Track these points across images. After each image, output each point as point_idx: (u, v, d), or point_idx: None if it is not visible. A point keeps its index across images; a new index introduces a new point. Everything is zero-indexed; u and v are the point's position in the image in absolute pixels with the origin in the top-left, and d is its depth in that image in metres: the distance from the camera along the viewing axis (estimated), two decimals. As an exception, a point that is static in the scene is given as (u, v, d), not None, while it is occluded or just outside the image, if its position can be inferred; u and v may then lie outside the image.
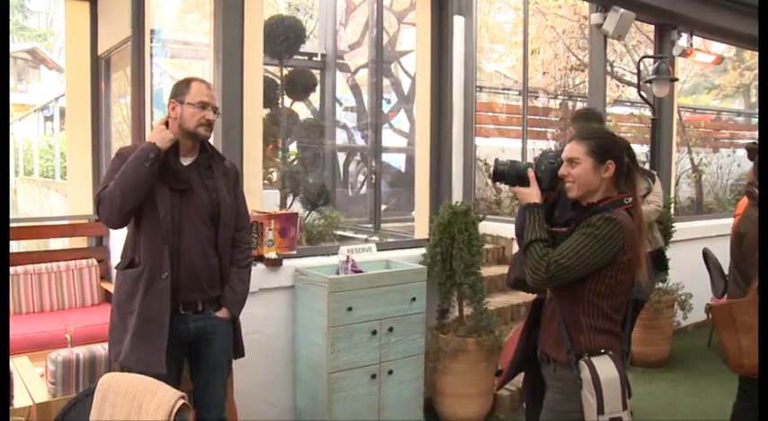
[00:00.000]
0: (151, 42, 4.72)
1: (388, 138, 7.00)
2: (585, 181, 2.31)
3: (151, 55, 4.76)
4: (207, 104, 2.70)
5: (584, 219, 2.26)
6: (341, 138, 6.84)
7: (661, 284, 5.32)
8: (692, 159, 9.05)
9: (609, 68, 8.35)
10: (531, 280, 2.25)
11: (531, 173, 2.37)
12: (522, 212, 2.37)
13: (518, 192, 2.39)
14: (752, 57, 10.17)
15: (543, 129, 8.22)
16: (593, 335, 2.25)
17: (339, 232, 4.98)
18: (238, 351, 2.98)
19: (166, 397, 2.12)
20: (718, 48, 8.39)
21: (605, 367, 2.21)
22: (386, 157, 7.16)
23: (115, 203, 2.57)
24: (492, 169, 2.47)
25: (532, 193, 2.35)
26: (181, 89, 2.72)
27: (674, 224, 5.35)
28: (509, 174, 2.42)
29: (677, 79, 6.26)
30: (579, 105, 8.28)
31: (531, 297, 4.73)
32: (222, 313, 2.83)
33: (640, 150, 6.98)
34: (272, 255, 3.73)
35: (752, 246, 3.15)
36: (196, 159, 2.78)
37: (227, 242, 2.82)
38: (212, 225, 2.77)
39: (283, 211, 4.08)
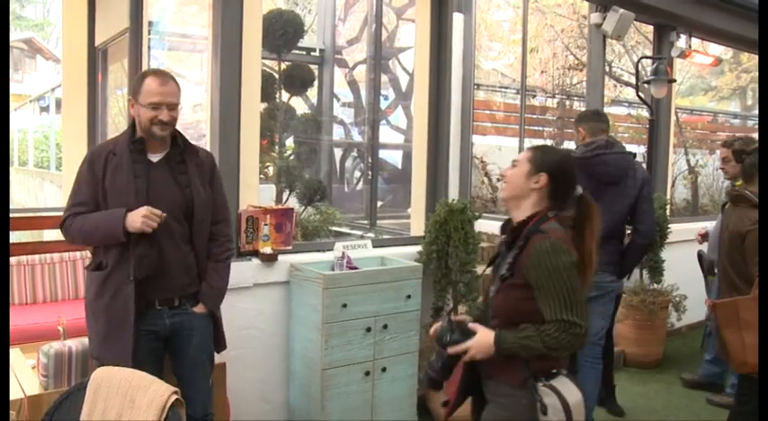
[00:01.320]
0: (149, 34, 4.70)
1: (386, 134, 6.99)
2: (515, 184, 2.27)
3: (149, 47, 4.74)
4: (159, 105, 2.59)
5: (516, 240, 2.19)
6: (338, 133, 6.83)
7: (656, 286, 5.34)
8: (688, 161, 9.07)
9: (607, 68, 8.35)
10: (576, 348, 2.14)
11: (456, 347, 2.18)
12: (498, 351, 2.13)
13: (475, 354, 2.16)
14: (749, 59, 10.18)
15: (540, 128, 8.23)
16: (549, 358, 2.15)
17: (335, 228, 4.96)
18: (220, 345, 2.94)
19: (159, 391, 2.11)
20: (716, 50, 8.40)
21: (570, 391, 2.13)
22: (383, 154, 7.14)
23: (76, 242, 2.74)
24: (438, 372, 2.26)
25: (482, 339, 2.15)
26: (136, 86, 2.64)
27: (669, 225, 5.36)
28: (441, 370, 2.24)
29: (675, 80, 6.25)
30: (577, 105, 8.29)
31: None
32: (199, 308, 2.79)
33: (638, 151, 6.97)
34: (267, 250, 3.72)
35: (753, 245, 3.18)
36: (167, 155, 2.71)
37: (203, 237, 2.78)
38: (186, 221, 2.72)
39: (279, 206, 4.06)
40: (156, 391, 2.12)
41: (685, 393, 4.87)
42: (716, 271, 4.58)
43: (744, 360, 3.23)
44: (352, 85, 6.90)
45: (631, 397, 4.68)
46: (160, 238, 2.63)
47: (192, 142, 2.87)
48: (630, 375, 5.17)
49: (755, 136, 6.30)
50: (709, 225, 4.92)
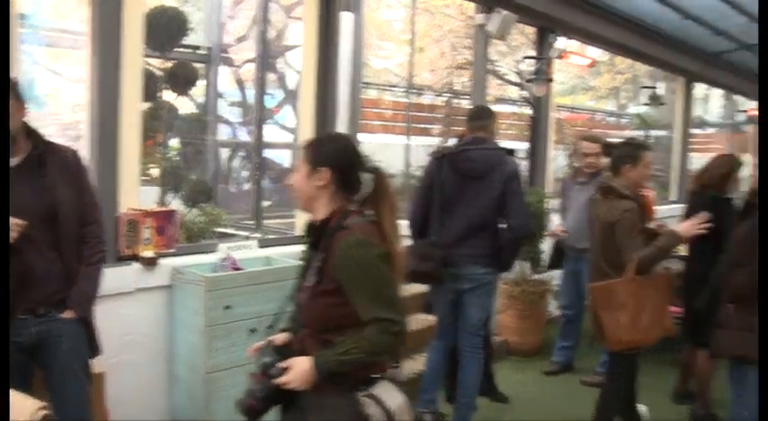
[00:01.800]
0: (21, 28, 4.47)
1: (274, 133, 6.94)
2: (301, 190, 2.15)
3: (21, 41, 4.51)
4: None
5: (320, 241, 2.10)
6: (225, 133, 6.72)
7: (536, 276, 5.59)
8: (568, 156, 9.49)
9: (493, 68, 8.62)
10: (398, 347, 2.06)
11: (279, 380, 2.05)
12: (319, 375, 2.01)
13: (298, 386, 2.03)
14: (622, 62, 10.77)
15: (429, 126, 8.39)
16: (370, 364, 2.06)
17: (221, 229, 4.90)
18: (94, 350, 2.85)
19: (24, 407, 2.03)
20: (596, 52, 8.83)
21: (391, 395, 2.06)
22: (270, 153, 7.08)
23: None
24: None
25: (299, 371, 2.01)
26: None
27: (547, 218, 5.60)
28: (264, 401, 2.09)
29: (552, 80, 6.53)
30: (464, 103, 8.52)
31: (416, 289, 4.87)
32: (67, 314, 2.68)
33: (521, 147, 7.23)
34: (148, 253, 3.64)
35: (627, 230, 3.41)
36: (25, 158, 2.58)
37: (70, 242, 2.67)
38: (50, 227, 2.60)
39: (161, 209, 3.99)
40: (21, 408, 2.03)
41: (562, 378, 5.14)
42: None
43: (619, 338, 3.50)
44: (240, 83, 6.81)
45: (512, 385, 4.85)
46: (22, 248, 2.51)
47: (68, 143, 2.76)
48: (512, 363, 5.39)
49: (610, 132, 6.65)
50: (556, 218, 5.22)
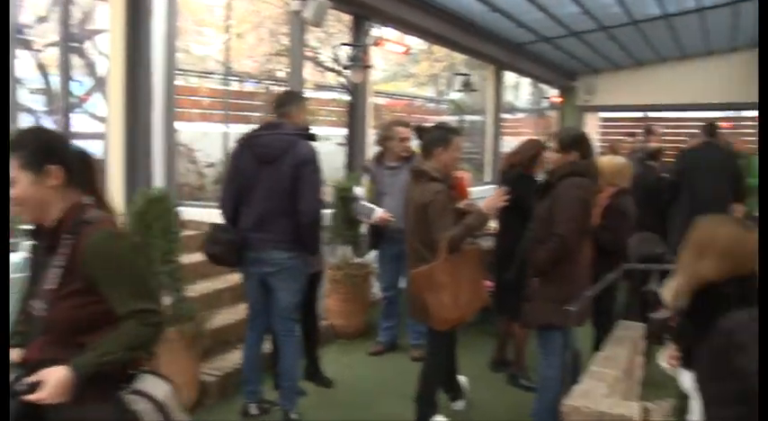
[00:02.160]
0: None
1: (83, 122, 6.52)
2: (31, 199, 1.94)
3: None
4: None
5: (58, 242, 1.96)
6: (27, 122, 6.24)
7: (358, 259, 5.72)
8: (375, 142, 9.74)
9: (313, 54, 8.65)
10: (159, 336, 2.00)
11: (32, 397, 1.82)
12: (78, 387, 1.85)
13: (56, 399, 1.82)
14: (440, 50, 11.22)
15: (249, 114, 8.29)
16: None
17: (25, 227, 4.57)
18: None
19: None
20: (415, 41, 9.12)
21: (156, 386, 2.00)
22: (80, 144, 6.63)
23: None
24: None
25: (55, 382, 1.81)
26: None
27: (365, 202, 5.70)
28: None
29: (370, 66, 6.67)
30: (282, 90, 8.49)
31: (234, 280, 4.75)
32: None
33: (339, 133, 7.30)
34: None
35: (438, 211, 3.55)
36: None
37: None
38: None
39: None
40: None
41: (388, 357, 5.31)
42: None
43: (444, 318, 3.64)
44: (43, 69, 6.33)
45: (338, 368, 4.93)
46: None
47: None
48: (338, 347, 5.48)
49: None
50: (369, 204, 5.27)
